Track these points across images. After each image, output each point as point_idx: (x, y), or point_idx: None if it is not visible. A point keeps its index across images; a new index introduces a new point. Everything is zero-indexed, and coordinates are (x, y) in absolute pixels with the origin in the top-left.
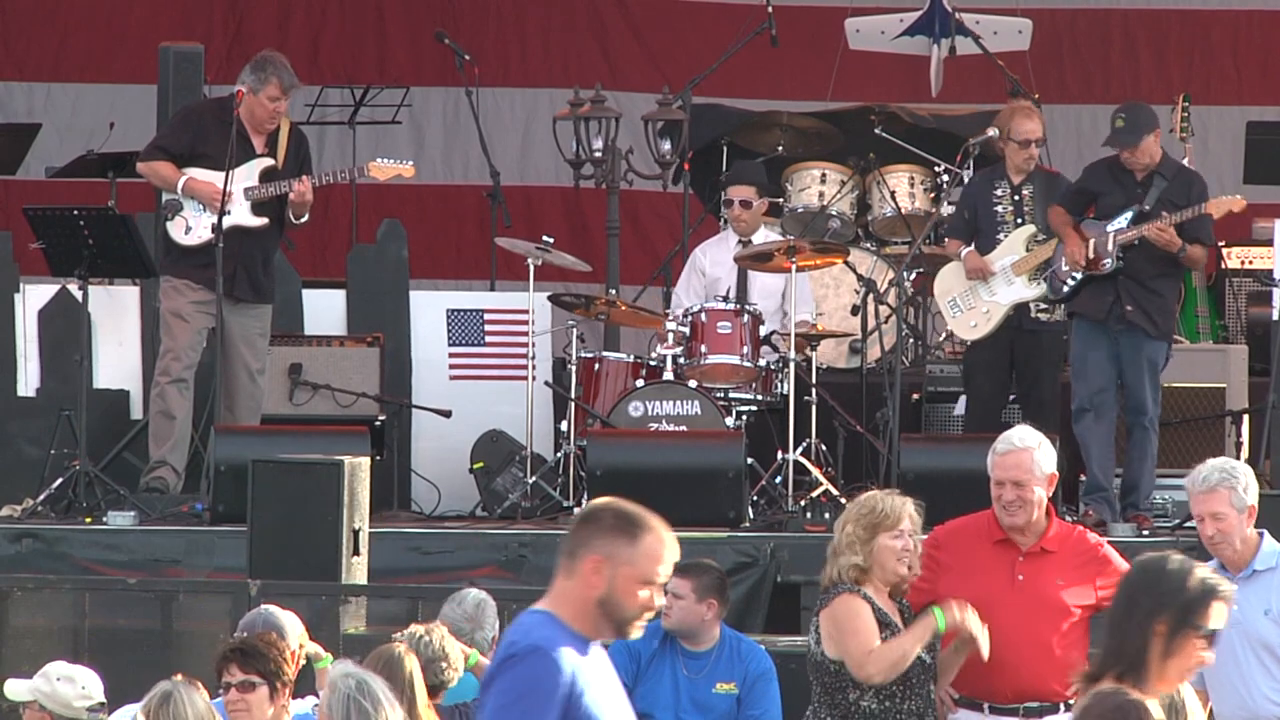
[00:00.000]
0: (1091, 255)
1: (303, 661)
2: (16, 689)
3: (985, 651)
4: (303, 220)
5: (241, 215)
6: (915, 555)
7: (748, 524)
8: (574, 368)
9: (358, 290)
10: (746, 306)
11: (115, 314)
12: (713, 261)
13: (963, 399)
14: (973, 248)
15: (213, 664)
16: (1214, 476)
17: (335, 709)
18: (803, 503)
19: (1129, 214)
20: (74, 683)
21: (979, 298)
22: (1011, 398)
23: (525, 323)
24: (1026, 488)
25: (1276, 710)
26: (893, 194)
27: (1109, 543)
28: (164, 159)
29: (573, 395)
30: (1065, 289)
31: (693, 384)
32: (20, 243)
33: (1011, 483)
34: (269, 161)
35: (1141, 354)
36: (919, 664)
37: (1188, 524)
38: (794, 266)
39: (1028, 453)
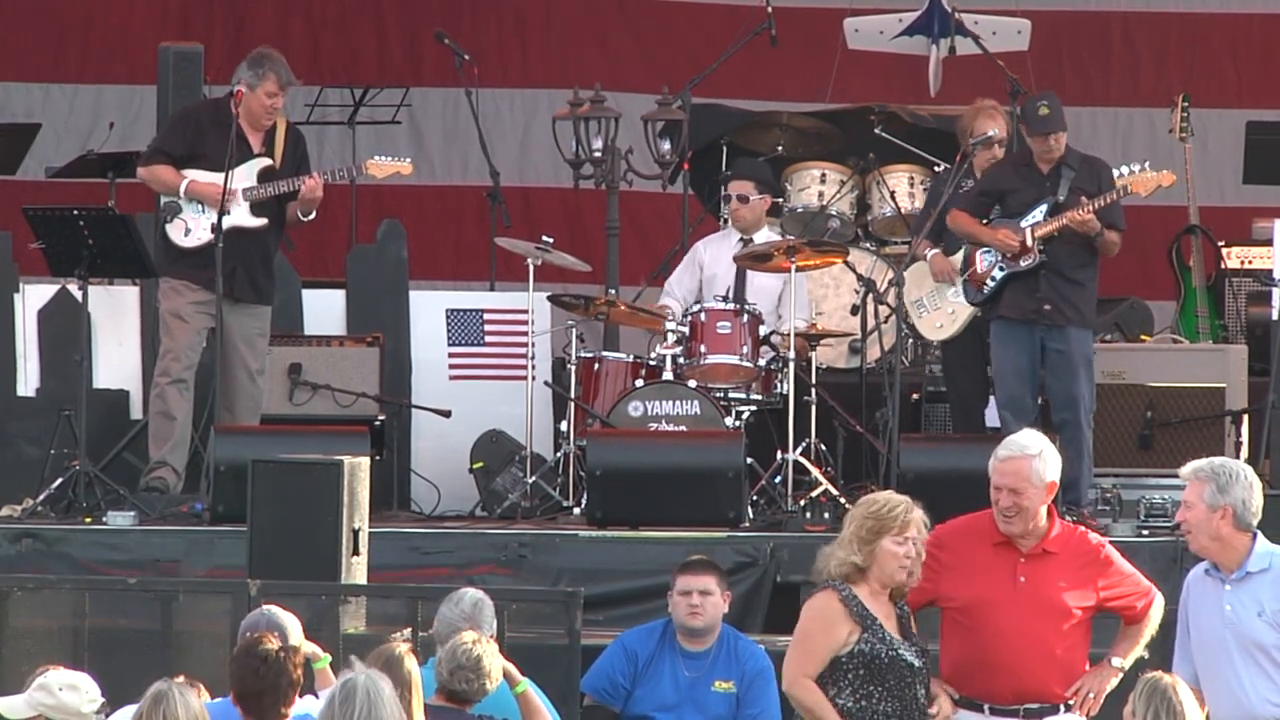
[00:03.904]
0: (1023, 244)
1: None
2: (13, 706)
3: None
4: (310, 217)
5: (240, 216)
6: (918, 563)
7: (747, 524)
8: (574, 368)
9: (357, 290)
10: (746, 306)
11: (115, 314)
12: (712, 258)
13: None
14: (939, 250)
15: None
16: (1198, 465)
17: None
18: (802, 503)
19: (1043, 207)
20: (78, 690)
21: (944, 299)
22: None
23: (525, 323)
24: (1023, 495)
25: (1273, 711)
26: (892, 194)
27: (1110, 543)
28: (165, 162)
29: (573, 395)
30: (985, 292)
31: (692, 384)
32: (20, 243)
33: (1008, 489)
34: (267, 161)
35: (1071, 348)
36: (905, 667)
37: None
38: (794, 266)
39: (1026, 460)
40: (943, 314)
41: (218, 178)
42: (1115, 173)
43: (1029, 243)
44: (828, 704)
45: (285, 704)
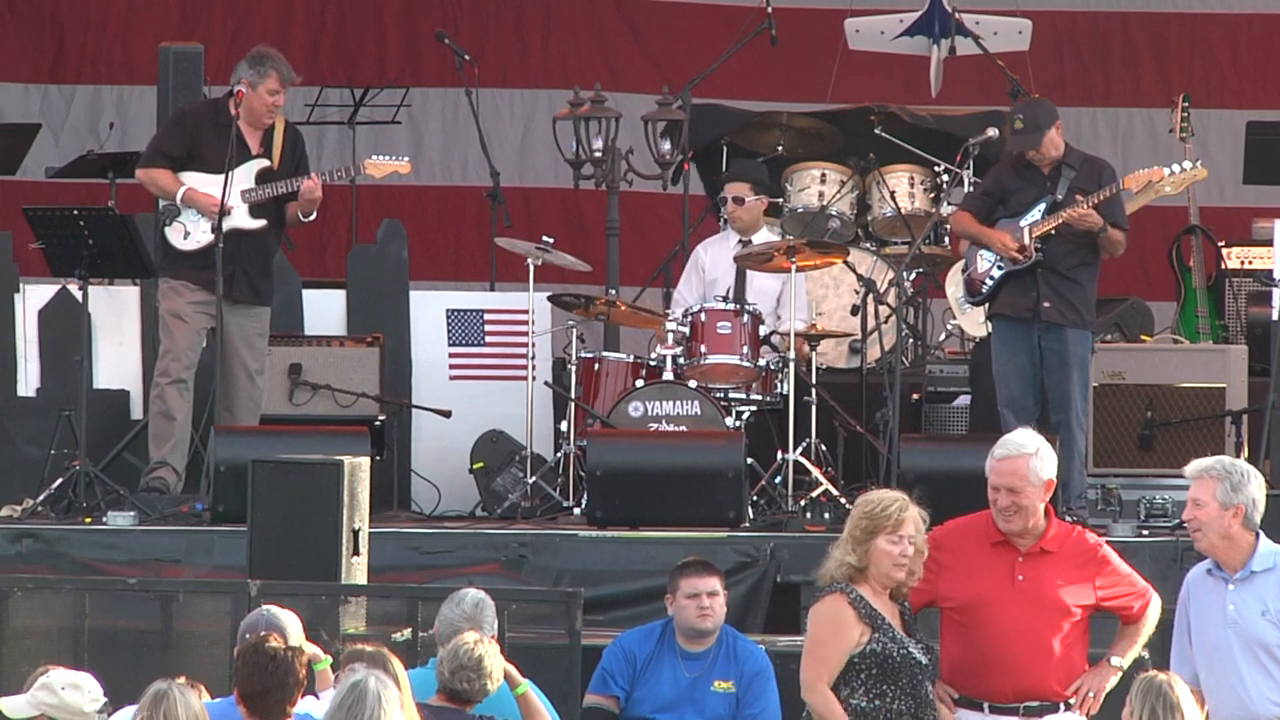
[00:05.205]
0: (1016, 249)
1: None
2: (15, 705)
3: None
4: (310, 218)
5: (239, 218)
6: (918, 560)
7: (748, 524)
8: (574, 368)
9: (358, 290)
10: (746, 306)
11: (115, 314)
12: (712, 260)
13: (963, 396)
14: None
15: None
16: (1208, 464)
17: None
18: (803, 503)
19: (1042, 206)
20: (80, 690)
21: None
22: None
23: (525, 323)
24: (1021, 494)
25: (1275, 710)
26: (892, 194)
27: (1108, 543)
28: (163, 165)
29: (573, 395)
30: (983, 290)
31: (693, 384)
32: (20, 243)
33: (1006, 489)
34: (265, 163)
35: (1066, 348)
36: (916, 665)
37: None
38: (794, 266)
39: (1024, 459)
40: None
41: (215, 183)
42: (1167, 170)
43: (1026, 242)
44: (841, 713)
45: (291, 703)
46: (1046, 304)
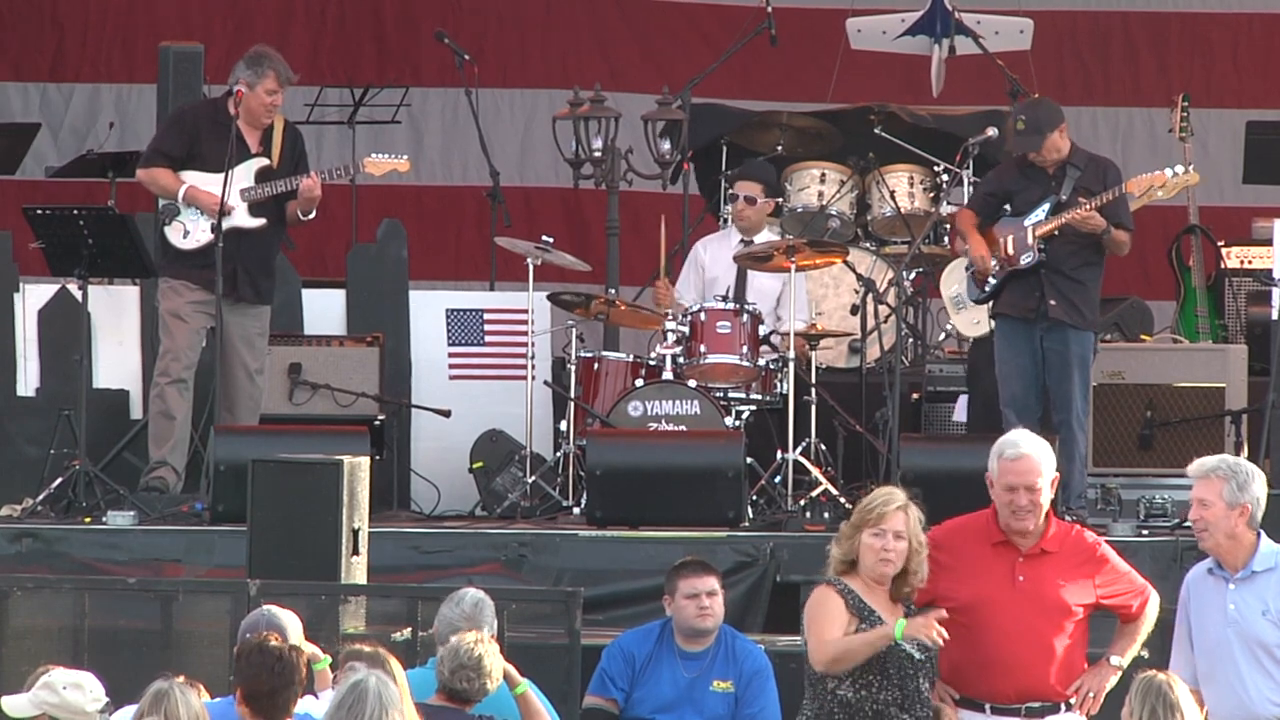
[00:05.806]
0: (1010, 252)
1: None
2: (17, 704)
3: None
4: (310, 217)
5: (239, 217)
6: (918, 559)
7: (747, 524)
8: (574, 368)
9: (358, 290)
10: (746, 306)
11: (115, 314)
12: (712, 258)
13: (961, 401)
14: None
15: None
16: (1213, 464)
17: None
18: (802, 502)
19: (1045, 206)
20: (82, 689)
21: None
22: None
23: (525, 323)
24: (1039, 492)
25: (1274, 711)
26: (892, 194)
27: (1108, 542)
28: (163, 165)
29: (572, 395)
30: (987, 289)
31: (692, 384)
32: (20, 243)
33: (1025, 488)
34: (264, 161)
35: (1068, 349)
36: (905, 658)
37: (1186, 524)
38: (794, 266)
39: (1035, 457)
40: (981, 310)
41: (216, 181)
42: (1168, 173)
43: (1030, 242)
44: (857, 636)
45: (294, 702)
46: (1052, 302)
